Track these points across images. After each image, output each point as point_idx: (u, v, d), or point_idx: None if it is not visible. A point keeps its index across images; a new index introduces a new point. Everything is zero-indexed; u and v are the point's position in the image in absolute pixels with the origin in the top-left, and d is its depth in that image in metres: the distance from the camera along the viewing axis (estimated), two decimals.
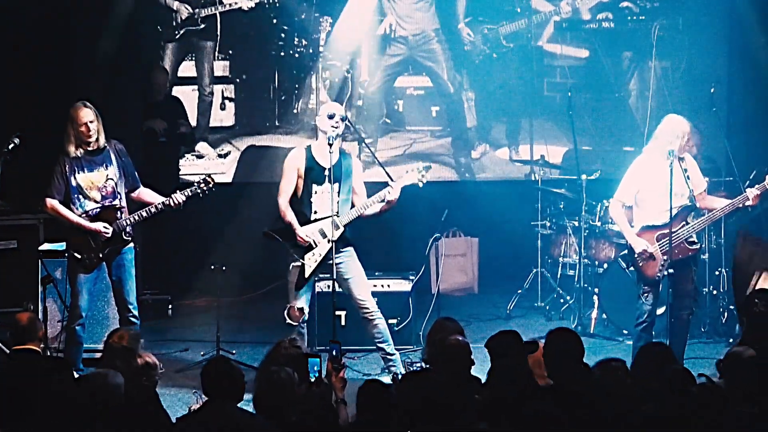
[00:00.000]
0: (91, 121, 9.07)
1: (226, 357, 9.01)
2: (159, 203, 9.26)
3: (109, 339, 7.38)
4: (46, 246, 10.44)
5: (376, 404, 6.19)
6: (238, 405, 6.49)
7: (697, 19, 12.73)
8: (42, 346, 9.30)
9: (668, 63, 12.90)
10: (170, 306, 12.21)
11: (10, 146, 9.53)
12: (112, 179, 9.18)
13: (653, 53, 12.82)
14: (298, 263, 9.18)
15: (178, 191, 9.27)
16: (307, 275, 9.19)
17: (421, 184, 9.17)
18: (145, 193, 9.41)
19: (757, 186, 9.10)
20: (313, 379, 6.94)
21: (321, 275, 9.41)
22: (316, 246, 9.16)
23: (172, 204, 9.24)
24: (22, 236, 11.41)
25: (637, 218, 9.35)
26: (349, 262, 9.27)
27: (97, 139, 9.13)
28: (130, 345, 7.26)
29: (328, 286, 9.29)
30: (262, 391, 6.54)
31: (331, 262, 9.08)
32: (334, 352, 7.18)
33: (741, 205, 9.16)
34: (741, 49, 12.52)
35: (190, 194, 9.28)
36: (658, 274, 9.19)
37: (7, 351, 7.95)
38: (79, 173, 9.11)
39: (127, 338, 7.29)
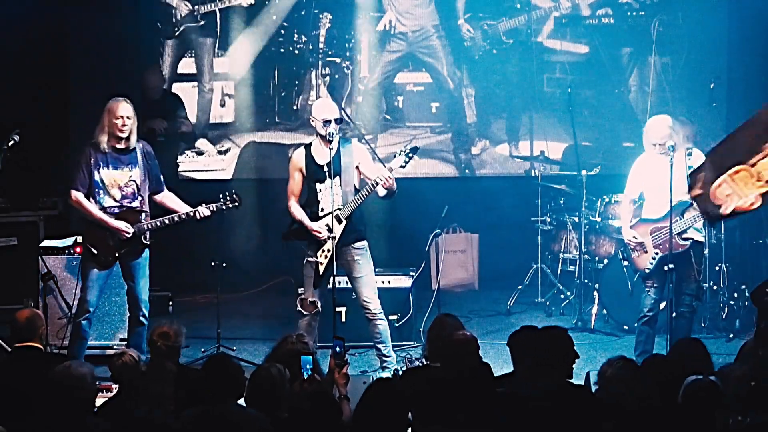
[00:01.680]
0: (128, 117, 9.08)
1: (226, 354, 9.02)
2: (183, 213, 9.30)
3: (153, 336, 7.37)
4: (46, 243, 10.44)
5: (384, 401, 6.18)
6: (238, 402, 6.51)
7: (697, 14, 12.72)
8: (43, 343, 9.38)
9: (668, 59, 12.89)
10: (171, 302, 12.21)
11: (10, 143, 9.53)
12: (134, 181, 9.18)
13: (653, 49, 12.81)
14: (313, 258, 9.24)
15: (203, 204, 9.31)
16: (321, 273, 9.25)
17: (404, 164, 9.13)
18: (168, 198, 9.43)
19: None
20: (306, 377, 6.94)
21: (337, 274, 9.36)
22: (325, 242, 9.20)
23: (197, 217, 9.29)
24: (22, 233, 11.44)
25: (642, 213, 9.47)
26: (361, 260, 9.33)
27: (128, 138, 9.13)
28: (175, 343, 7.28)
29: (330, 282, 9.29)
30: (252, 387, 6.56)
31: (343, 259, 9.23)
32: (337, 349, 7.19)
33: None
34: (741, 45, 12.50)
35: (215, 209, 9.32)
36: (649, 267, 9.30)
37: (8, 348, 7.95)
38: (103, 168, 9.11)
39: (173, 337, 7.30)
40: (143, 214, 9.21)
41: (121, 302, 9.84)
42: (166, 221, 9.26)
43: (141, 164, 9.20)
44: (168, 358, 7.22)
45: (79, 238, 9.91)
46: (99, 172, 9.10)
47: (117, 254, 9.16)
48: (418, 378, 6.97)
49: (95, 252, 9.13)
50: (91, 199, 9.13)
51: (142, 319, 9.26)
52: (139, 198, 9.22)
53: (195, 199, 9.44)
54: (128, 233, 9.10)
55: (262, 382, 6.57)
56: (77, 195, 9.13)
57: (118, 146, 9.12)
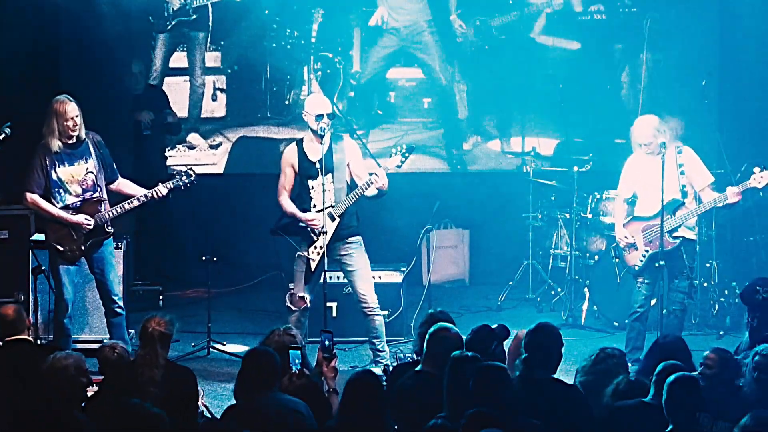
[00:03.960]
0: (77, 116, 9.06)
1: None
2: (141, 195, 9.27)
3: (146, 324, 7.38)
4: (37, 236, 10.42)
5: (365, 396, 6.19)
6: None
7: (689, 11, 12.72)
8: (34, 336, 9.37)
9: (660, 55, 12.87)
10: (161, 297, 12.20)
11: (1, 137, 9.50)
12: (92, 172, 9.17)
13: (645, 45, 12.80)
14: (304, 253, 9.24)
15: (160, 183, 9.29)
16: (313, 269, 9.24)
17: (400, 163, 9.14)
18: (124, 185, 9.41)
19: (740, 185, 9.13)
20: (295, 371, 6.95)
21: (329, 270, 9.36)
22: (317, 239, 9.20)
23: (155, 196, 9.26)
24: (13, 226, 11.38)
25: (635, 211, 9.49)
26: (355, 254, 9.32)
27: (79, 134, 9.12)
28: (167, 330, 7.29)
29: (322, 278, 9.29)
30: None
31: (336, 254, 9.25)
32: (326, 342, 7.20)
33: (721, 204, 9.18)
34: (733, 42, 12.51)
35: (172, 187, 9.30)
36: (639, 264, 9.32)
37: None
38: (59, 167, 9.09)
39: (164, 325, 7.31)
40: (102, 204, 9.20)
41: None
42: (126, 206, 9.24)
43: (93, 155, 9.18)
44: (159, 344, 7.23)
45: None
46: (56, 172, 9.09)
47: (83, 247, 9.15)
48: (407, 374, 6.98)
49: (61, 249, 9.12)
50: (52, 199, 9.11)
51: (117, 310, 9.26)
52: (98, 188, 9.21)
53: (186, 193, 9.43)
54: (89, 224, 9.09)
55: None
56: (32, 197, 9.12)
57: (69, 142, 9.11)
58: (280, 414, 6.31)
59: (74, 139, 9.10)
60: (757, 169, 9.04)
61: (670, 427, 6.04)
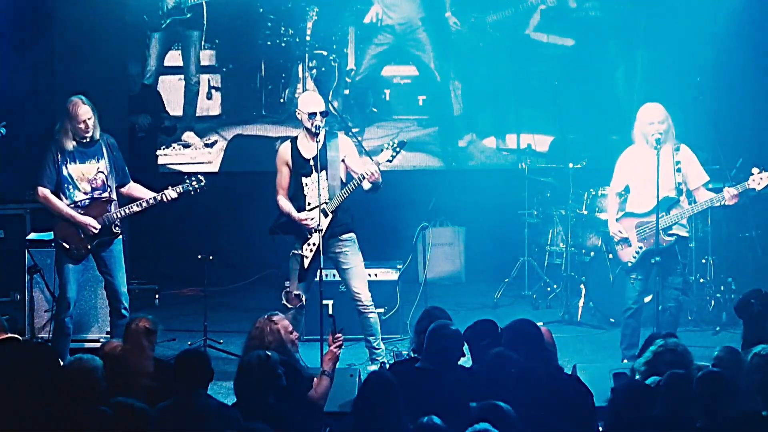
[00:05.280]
0: (89, 118, 9.05)
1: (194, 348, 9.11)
2: (150, 198, 9.26)
3: (130, 323, 7.43)
4: (32, 236, 10.42)
5: (381, 396, 6.20)
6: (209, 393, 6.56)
7: (684, 7, 12.72)
8: (30, 335, 9.37)
9: (655, 52, 12.89)
10: (157, 295, 12.21)
11: None
12: (102, 172, 9.16)
13: (640, 42, 12.82)
14: (298, 251, 9.24)
15: (170, 187, 9.28)
16: (306, 266, 9.24)
17: (391, 158, 9.14)
18: (134, 188, 9.41)
19: (738, 186, 9.08)
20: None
21: (325, 268, 9.35)
22: (311, 235, 9.19)
23: (164, 200, 9.26)
24: (8, 226, 11.40)
25: (627, 206, 9.47)
26: (349, 251, 9.30)
27: (92, 134, 9.11)
28: (152, 327, 7.31)
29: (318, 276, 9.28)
30: (239, 376, 6.63)
31: (330, 252, 9.24)
32: (330, 329, 7.39)
33: (717, 204, 9.16)
34: (728, 38, 12.51)
35: (181, 191, 9.29)
36: (632, 260, 9.31)
37: None
38: (70, 164, 9.08)
39: (150, 323, 7.33)
40: (111, 204, 9.19)
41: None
42: (135, 208, 9.23)
43: (106, 156, 9.18)
44: (145, 338, 7.24)
45: None
46: (66, 168, 9.08)
47: (89, 246, 9.14)
48: (406, 370, 6.99)
49: (67, 246, 9.11)
50: (61, 195, 9.10)
51: (123, 311, 9.23)
52: (108, 188, 9.20)
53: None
54: (95, 228, 9.08)
55: (246, 374, 6.61)
56: (44, 191, 9.10)
57: (83, 141, 9.11)
58: (202, 415, 6.30)
59: (87, 139, 9.10)
60: (755, 170, 8.96)
61: (699, 423, 6.06)
